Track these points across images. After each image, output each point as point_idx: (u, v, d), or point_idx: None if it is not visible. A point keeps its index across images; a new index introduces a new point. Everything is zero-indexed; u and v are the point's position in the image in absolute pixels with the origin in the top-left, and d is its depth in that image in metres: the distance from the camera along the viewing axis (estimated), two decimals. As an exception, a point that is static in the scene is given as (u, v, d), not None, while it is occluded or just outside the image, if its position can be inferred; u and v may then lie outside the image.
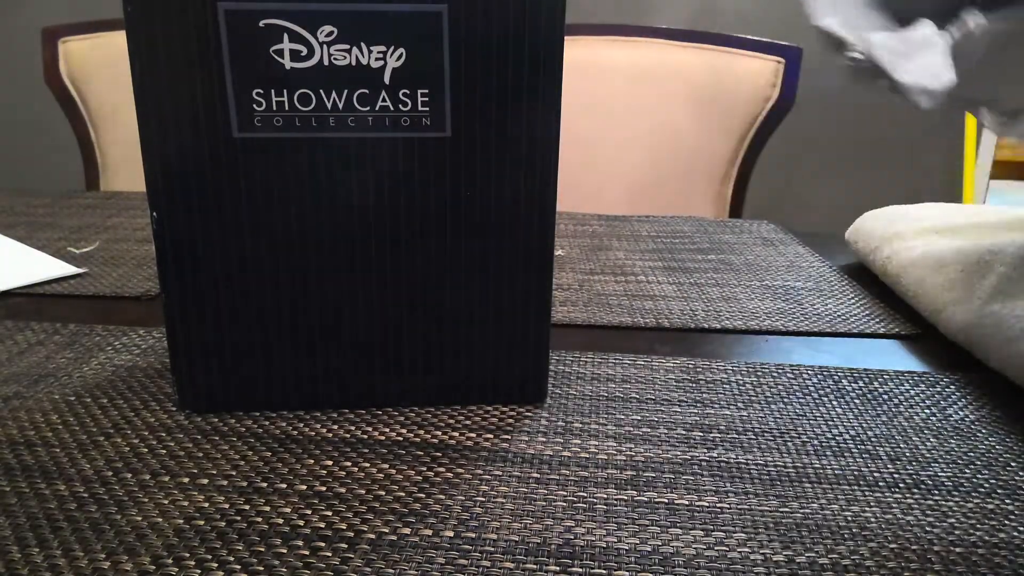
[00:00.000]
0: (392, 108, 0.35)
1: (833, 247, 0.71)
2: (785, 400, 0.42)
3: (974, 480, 0.35)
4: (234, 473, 0.35)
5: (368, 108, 0.35)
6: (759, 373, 0.45)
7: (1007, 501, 0.34)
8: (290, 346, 0.39)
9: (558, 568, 0.30)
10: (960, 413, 0.41)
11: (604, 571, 0.29)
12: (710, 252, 0.67)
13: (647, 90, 1.02)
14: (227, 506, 0.33)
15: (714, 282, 0.60)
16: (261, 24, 0.33)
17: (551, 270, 0.39)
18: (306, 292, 0.38)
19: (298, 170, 0.36)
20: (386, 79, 0.35)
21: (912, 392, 0.43)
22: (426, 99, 0.35)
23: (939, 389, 0.43)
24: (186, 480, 0.34)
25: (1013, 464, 0.36)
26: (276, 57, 0.34)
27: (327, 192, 0.36)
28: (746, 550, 0.31)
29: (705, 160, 1.03)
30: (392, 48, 0.34)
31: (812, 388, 0.43)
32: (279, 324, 0.38)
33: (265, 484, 0.34)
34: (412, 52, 0.34)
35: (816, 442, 0.38)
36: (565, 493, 0.34)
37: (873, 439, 0.38)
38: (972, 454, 0.37)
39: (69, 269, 0.58)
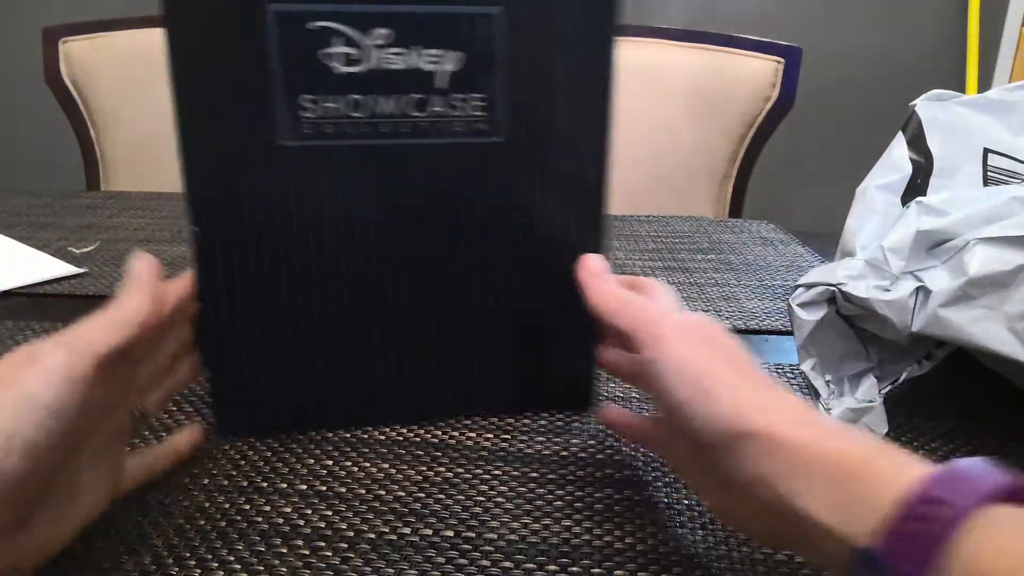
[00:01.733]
0: (446, 114, 0.33)
1: (833, 247, 0.71)
2: (784, 400, 0.42)
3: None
4: (235, 472, 0.35)
5: (422, 114, 0.33)
6: (758, 373, 0.45)
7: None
8: (350, 361, 0.37)
9: (557, 568, 0.30)
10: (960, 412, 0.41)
11: (603, 571, 0.30)
12: (710, 252, 0.67)
13: (647, 90, 1.02)
14: (228, 505, 0.33)
15: (714, 282, 0.60)
16: (312, 26, 0.31)
17: None
18: (359, 306, 0.36)
19: (348, 179, 0.33)
20: (440, 84, 0.33)
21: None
22: (482, 104, 0.33)
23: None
24: (187, 479, 0.34)
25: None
26: (326, 61, 0.32)
27: (378, 202, 0.34)
28: (747, 550, 0.31)
29: (705, 160, 1.03)
30: (447, 51, 0.32)
31: (811, 388, 0.43)
32: (337, 339, 0.36)
33: (266, 484, 0.34)
34: (467, 55, 0.32)
35: (815, 442, 0.38)
36: (564, 493, 0.34)
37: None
38: (982, 451, 0.37)
39: (69, 269, 0.58)
